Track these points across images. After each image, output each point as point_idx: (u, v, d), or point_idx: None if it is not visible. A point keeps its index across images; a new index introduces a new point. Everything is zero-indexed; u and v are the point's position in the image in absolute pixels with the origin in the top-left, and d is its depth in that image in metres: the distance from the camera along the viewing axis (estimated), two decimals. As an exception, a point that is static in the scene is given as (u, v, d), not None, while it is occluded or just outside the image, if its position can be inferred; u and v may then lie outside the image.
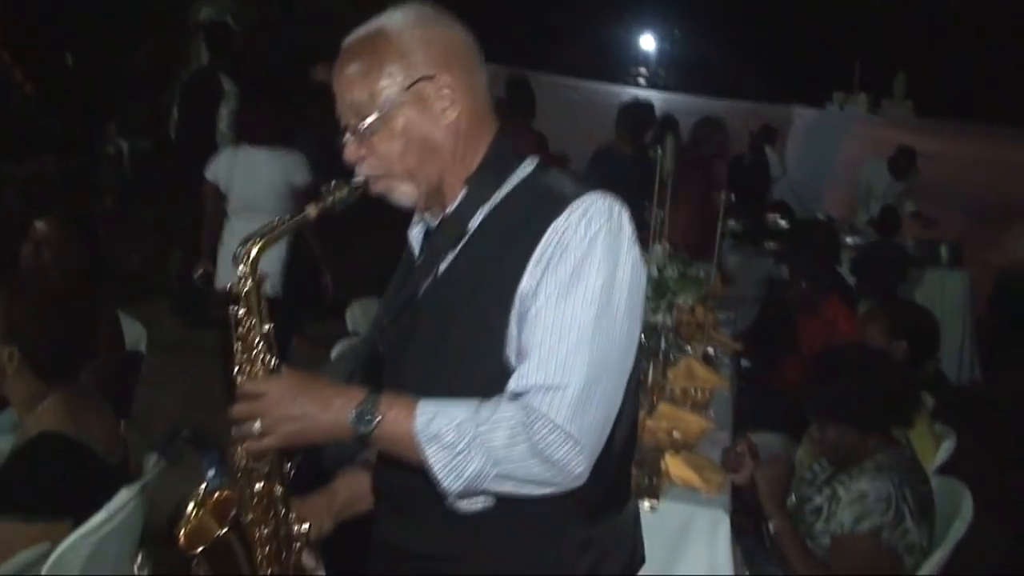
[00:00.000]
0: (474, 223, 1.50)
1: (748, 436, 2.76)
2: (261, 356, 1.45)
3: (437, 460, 1.35)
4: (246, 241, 1.43)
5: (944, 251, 7.09)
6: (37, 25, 8.40)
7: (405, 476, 1.46)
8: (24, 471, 2.16)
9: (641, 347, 1.53)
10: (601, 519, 1.55)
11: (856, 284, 6.17)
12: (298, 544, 1.56)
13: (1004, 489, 3.69)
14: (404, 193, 1.52)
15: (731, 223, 5.07)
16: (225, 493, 1.52)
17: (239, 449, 1.48)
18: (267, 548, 1.53)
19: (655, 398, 3.21)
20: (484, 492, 1.41)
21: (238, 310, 1.46)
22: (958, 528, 2.55)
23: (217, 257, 4.72)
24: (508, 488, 1.39)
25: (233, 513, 1.48)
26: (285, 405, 1.40)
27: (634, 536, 1.67)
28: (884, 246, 6.78)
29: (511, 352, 1.43)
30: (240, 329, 1.46)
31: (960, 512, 2.60)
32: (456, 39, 1.52)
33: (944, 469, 2.96)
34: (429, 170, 1.50)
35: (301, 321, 5.72)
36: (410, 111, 1.47)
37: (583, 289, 1.38)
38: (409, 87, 1.46)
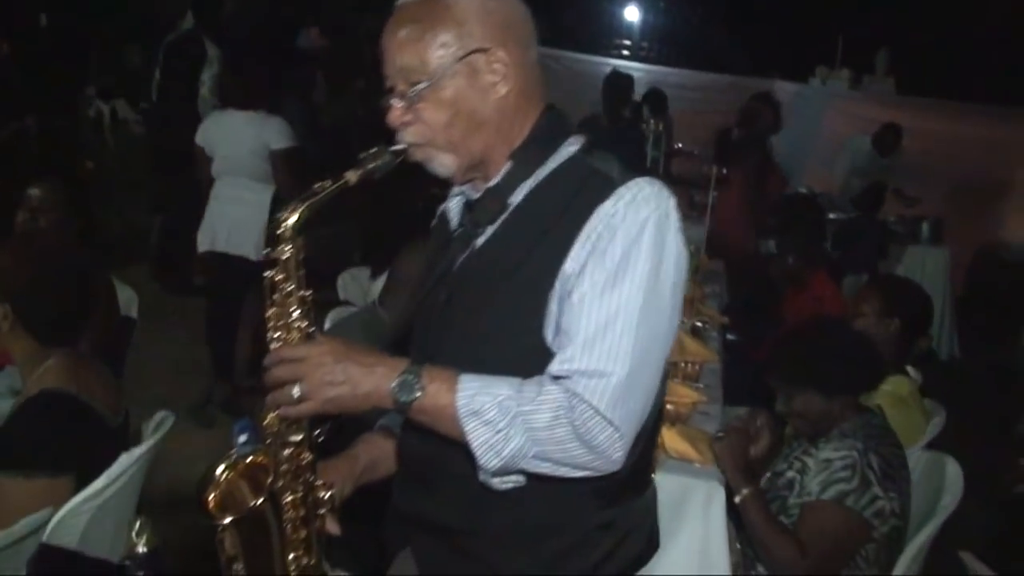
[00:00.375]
0: (515, 198, 1.49)
1: (765, 410, 2.76)
2: (297, 322, 1.44)
3: (477, 436, 1.34)
4: (285, 208, 1.41)
5: (926, 228, 7.12)
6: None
7: (433, 448, 1.46)
8: (25, 427, 2.15)
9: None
10: (624, 501, 1.56)
11: (839, 260, 6.20)
12: (323, 510, 1.55)
13: (987, 462, 3.75)
14: (443, 164, 1.50)
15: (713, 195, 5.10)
16: (260, 458, 1.49)
17: (270, 416, 1.46)
18: (295, 514, 1.51)
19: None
20: (519, 471, 1.41)
21: (275, 276, 1.43)
22: (947, 502, 2.58)
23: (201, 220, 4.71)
24: (544, 469, 1.39)
25: (269, 481, 1.46)
26: (327, 370, 1.38)
27: (652, 520, 1.67)
28: (865, 222, 6.82)
29: (548, 331, 1.42)
30: (276, 295, 1.44)
31: (948, 486, 2.63)
32: (514, 13, 1.49)
33: (932, 444, 3.00)
34: (472, 143, 1.48)
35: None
36: (461, 82, 1.44)
37: (630, 277, 1.37)
38: (462, 58, 1.43)
